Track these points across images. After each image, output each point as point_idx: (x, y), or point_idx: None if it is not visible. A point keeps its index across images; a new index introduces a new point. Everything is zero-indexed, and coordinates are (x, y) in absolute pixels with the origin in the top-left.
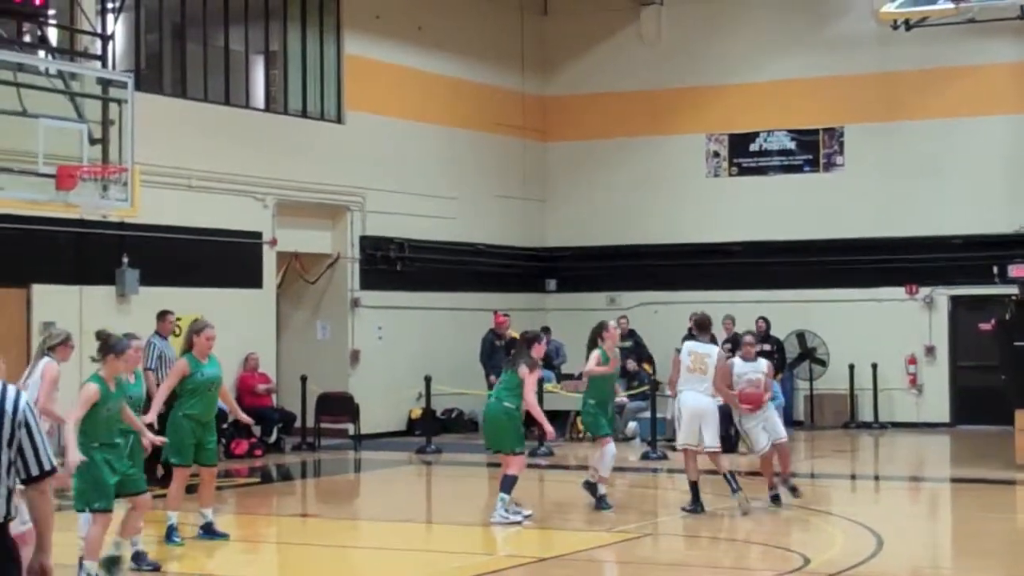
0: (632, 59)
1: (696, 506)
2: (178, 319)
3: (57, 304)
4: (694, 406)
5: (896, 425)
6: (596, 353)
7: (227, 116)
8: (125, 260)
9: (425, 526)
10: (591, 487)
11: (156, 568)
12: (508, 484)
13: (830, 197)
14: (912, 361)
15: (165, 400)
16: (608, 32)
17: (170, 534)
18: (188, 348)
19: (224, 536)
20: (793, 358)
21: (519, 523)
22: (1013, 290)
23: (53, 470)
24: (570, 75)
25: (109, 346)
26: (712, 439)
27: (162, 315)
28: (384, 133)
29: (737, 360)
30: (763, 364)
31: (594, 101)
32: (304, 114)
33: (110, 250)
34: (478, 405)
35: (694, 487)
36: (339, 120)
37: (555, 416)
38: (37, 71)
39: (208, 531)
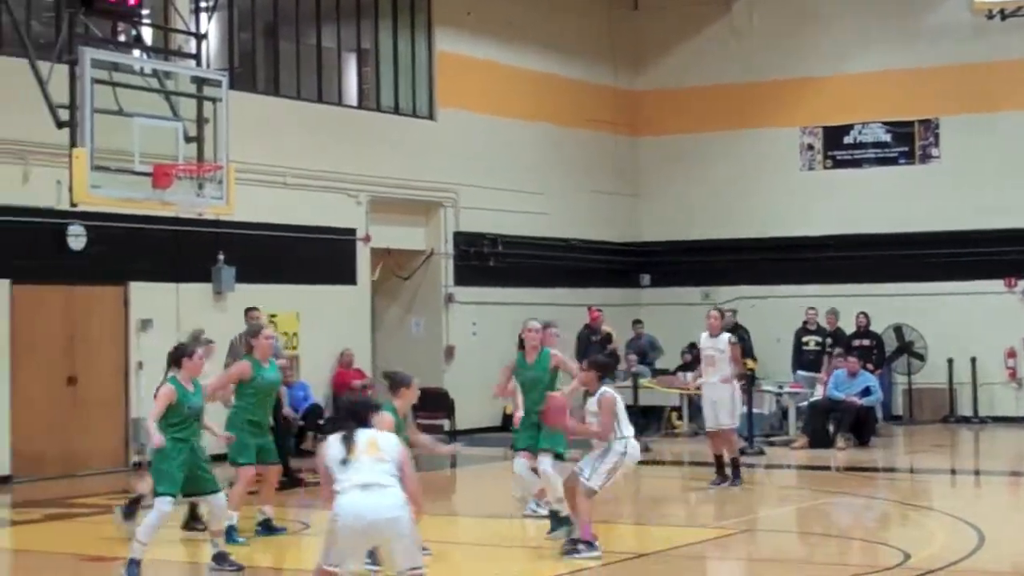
0: (724, 52)
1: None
2: (273, 316)
3: (154, 302)
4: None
5: (996, 419)
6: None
7: (320, 113)
8: (221, 257)
9: (521, 522)
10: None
11: (239, 568)
12: None
13: (926, 189)
14: (1011, 355)
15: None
16: (699, 25)
17: (230, 533)
18: (248, 351)
19: (282, 531)
20: (891, 352)
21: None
22: None
23: None
24: (661, 69)
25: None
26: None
27: (247, 312)
28: (476, 129)
29: (703, 335)
30: (724, 340)
31: (686, 95)
32: (396, 111)
33: (206, 248)
34: (573, 401)
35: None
36: (431, 117)
37: (650, 411)
38: (132, 70)
39: (266, 527)
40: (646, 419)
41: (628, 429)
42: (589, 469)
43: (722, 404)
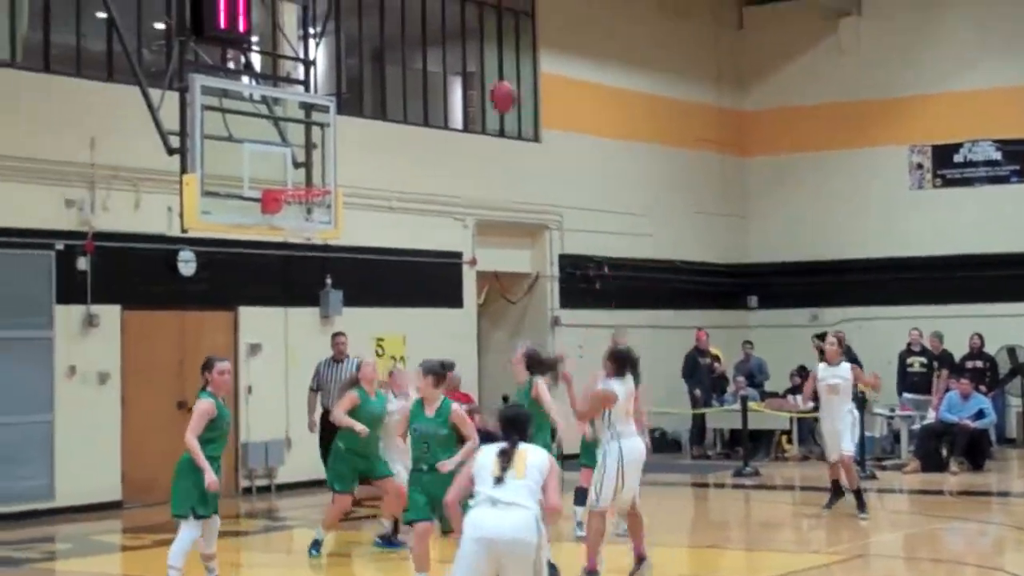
0: (831, 71)
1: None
2: (380, 339)
3: (263, 326)
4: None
5: None
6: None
7: (426, 137)
8: (328, 281)
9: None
10: None
11: None
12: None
13: None
14: None
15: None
16: (805, 44)
17: (315, 546)
18: (356, 382)
19: (402, 545)
20: (1004, 374)
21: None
22: None
23: None
24: (767, 88)
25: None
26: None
27: (334, 337)
28: (581, 151)
29: (821, 365)
30: (846, 368)
31: (792, 114)
32: (502, 134)
33: (314, 272)
34: (681, 424)
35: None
36: (536, 139)
37: (759, 435)
38: (242, 97)
39: (386, 541)
40: (755, 443)
41: (624, 426)
42: (593, 492)
43: (844, 432)
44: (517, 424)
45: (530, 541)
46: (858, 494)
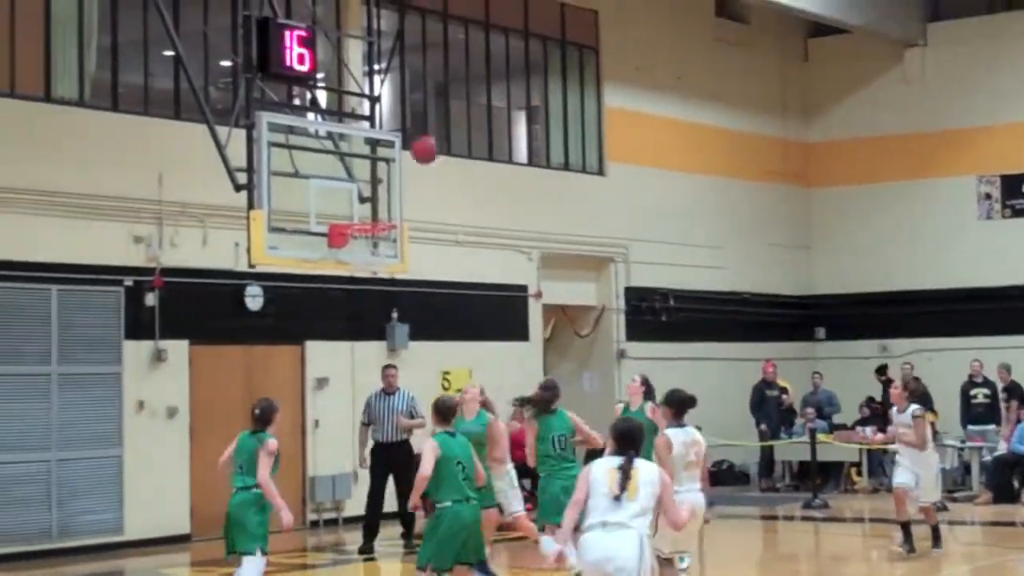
0: (896, 101)
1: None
2: (447, 373)
3: (330, 360)
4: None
5: None
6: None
7: (491, 171)
8: (395, 315)
9: None
10: None
11: None
12: None
13: None
14: None
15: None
16: (870, 75)
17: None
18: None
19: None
20: None
21: None
22: None
23: None
24: (833, 120)
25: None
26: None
27: (384, 369)
28: (645, 184)
29: (894, 410)
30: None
31: (858, 145)
32: (566, 167)
33: (380, 306)
34: (749, 456)
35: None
36: (601, 172)
37: (828, 467)
38: (308, 133)
39: (483, 571)
40: (824, 475)
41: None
42: None
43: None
44: (632, 438)
45: (634, 563)
46: (935, 530)
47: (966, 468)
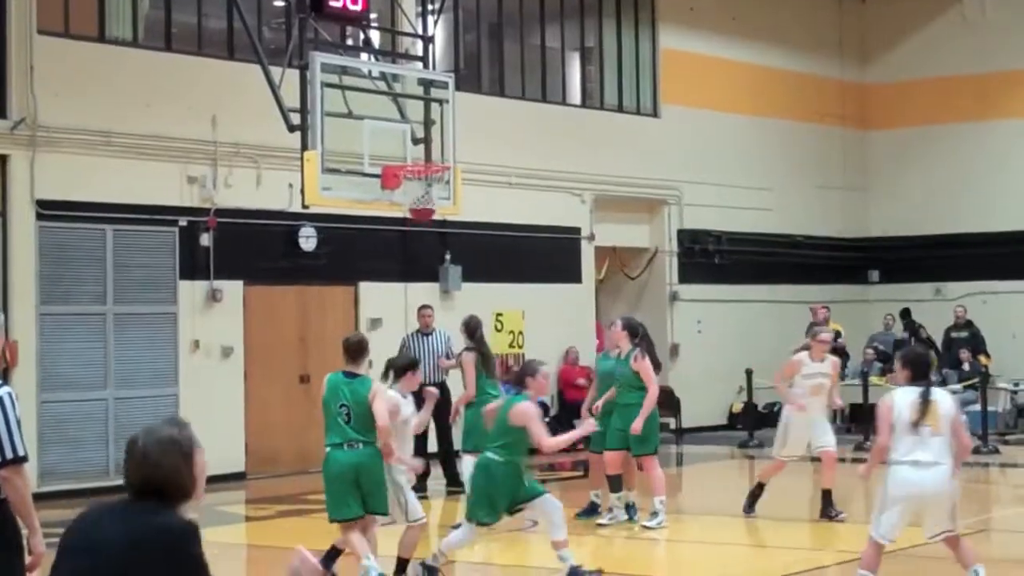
0: (956, 42)
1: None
2: (499, 314)
3: (383, 301)
4: None
5: None
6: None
7: (544, 113)
8: (447, 257)
9: (749, 520)
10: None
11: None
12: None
13: None
14: None
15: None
16: (930, 15)
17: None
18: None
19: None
20: None
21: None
22: None
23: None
24: (890, 61)
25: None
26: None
27: (419, 310)
28: (700, 126)
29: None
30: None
31: (916, 87)
32: (620, 109)
33: (433, 247)
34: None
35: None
36: (655, 114)
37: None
38: (361, 74)
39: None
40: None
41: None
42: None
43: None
44: (923, 366)
45: (946, 492)
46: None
47: (1019, 411)
